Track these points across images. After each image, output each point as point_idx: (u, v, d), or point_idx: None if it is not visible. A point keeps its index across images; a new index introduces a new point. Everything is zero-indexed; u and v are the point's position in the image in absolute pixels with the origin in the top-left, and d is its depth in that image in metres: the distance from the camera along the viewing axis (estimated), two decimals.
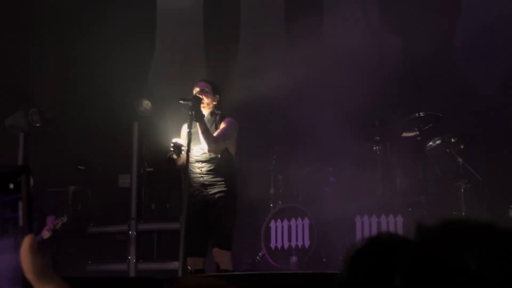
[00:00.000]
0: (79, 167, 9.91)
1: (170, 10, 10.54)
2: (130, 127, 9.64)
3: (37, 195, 8.92)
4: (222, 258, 6.06)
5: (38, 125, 10.13)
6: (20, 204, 0.86)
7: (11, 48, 10.38)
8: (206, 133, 6.04)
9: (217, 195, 6.16)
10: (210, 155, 6.18)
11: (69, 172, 9.97)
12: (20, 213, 0.86)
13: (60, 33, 10.30)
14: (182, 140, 6.15)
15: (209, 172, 6.19)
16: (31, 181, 8.62)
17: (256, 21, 10.31)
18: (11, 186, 0.84)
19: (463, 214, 7.90)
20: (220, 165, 6.20)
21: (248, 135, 7.55)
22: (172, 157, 6.13)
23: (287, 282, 5.46)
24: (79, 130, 9.99)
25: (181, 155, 6.05)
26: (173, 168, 6.25)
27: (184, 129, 6.16)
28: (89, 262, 9.49)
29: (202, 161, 6.21)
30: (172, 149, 6.09)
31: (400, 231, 7.84)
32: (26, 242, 0.90)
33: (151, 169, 9.78)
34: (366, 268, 1.01)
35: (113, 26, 10.02)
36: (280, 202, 8.70)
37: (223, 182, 6.19)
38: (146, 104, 9.48)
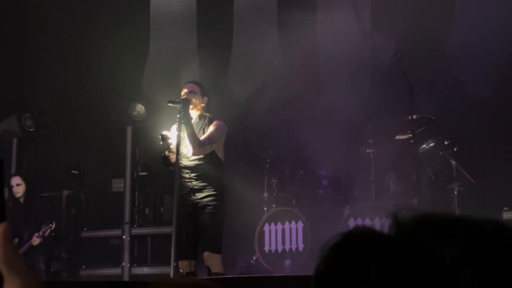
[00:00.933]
0: (73, 171, 9.90)
1: (163, 15, 10.54)
2: (123, 132, 9.65)
3: (30, 199, 8.90)
4: (213, 261, 6.07)
5: (31, 130, 10.14)
6: None
7: (4, 53, 10.38)
8: (192, 136, 6.06)
9: (205, 199, 6.17)
10: (198, 160, 6.20)
11: (62, 176, 9.95)
12: None
13: (54, 38, 10.31)
14: (169, 133, 6.17)
15: (197, 177, 6.20)
16: (24, 186, 8.61)
17: (248, 25, 10.32)
18: None
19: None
20: (208, 169, 6.22)
21: (241, 139, 7.56)
22: (166, 154, 6.14)
23: (281, 286, 5.46)
24: (72, 135, 9.98)
25: (172, 152, 6.06)
26: (168, 166, 6.24)
27: (173, 130, 6.18)
28: (83, 266, 9.48)
29: (191, 167, 6.22)
30: (161, 142, 6.11)
31: None
32: (1, 229, 0.90)
33: (145, 173, 9.78)
34: (341, 260, 1.01)
35: (106, 31, 10.02)
36: (273, 205, 8.69)
37: (211, 187, 6.20)
38: (140, 108, 9.48)
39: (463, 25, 8.97)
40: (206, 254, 6.08)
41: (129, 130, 9.60)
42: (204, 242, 6.12)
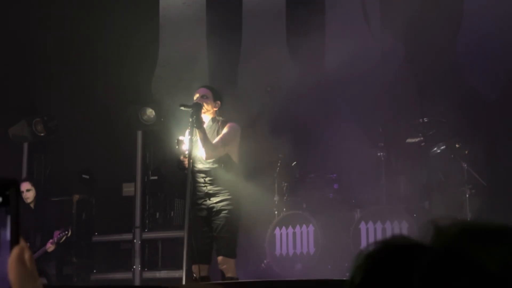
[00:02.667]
0: (83, 176, 9.91)
1: (172, 19, 10.56)
2: (134, 136, 9.65)
3: (41, 204, 8.92)
4: (227, 265, 6.07)
5: (42, 134, 10.16)
6: (8, 217, 0.87)
7: (15, 58, 10.42)
8: (205, 140, 6.05)
9: (220, 204, 6.16)
10: (212, 164, 6.19)
11: (73, 181, 9.97)
12: (8, 225, 0.87)
13: (64, 42, 10.33)
14: (184, 138, 6.18)
15: (212, 181, 6.19)
16: (34, 191, 8.63)
17: (257, 26, 10.33)
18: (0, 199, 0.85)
19: (468, 219, 7.88)
20: (223, 173, 6.21)
21: (251, 142, 7.55)
22: (181, 159, 6.15)
23: None
24: (83, 139, 10.00)
25: (187, 157, 6.06)
26: (182, 170, 6.23)
27: (187, 134, 6.18)
28: (94, 271, 9.49)
29: (206, 171, 6.22)
30: (176, 146, 6.12)
31: None
32: (14, 253, 0.90)
33: (155, 178, 9.78)
34: (381, 272, 1.00)
35: (116, 35, 10.05)
36: (284, 209, 8.68)
37: (226, 191, 6.20)
38: (150, 112, 9.48)
39: (472, 26, 8.94)
40: (220, 258, 6.08)
41: (139, 134, 9.60)
42: (218, 246, 6.12)
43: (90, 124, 9.98)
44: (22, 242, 0.93)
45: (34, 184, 8.85)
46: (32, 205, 8.74)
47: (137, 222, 9.38)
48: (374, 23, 9.81)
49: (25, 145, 10.30)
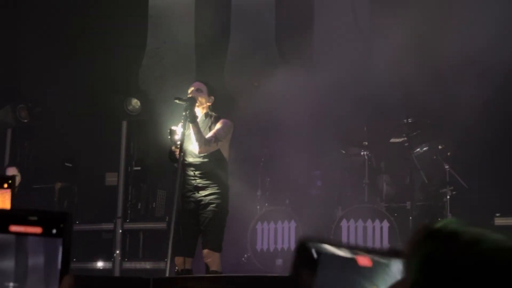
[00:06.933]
0: (66, 164, 9.89)
1: (161, 9, 10.54)
2: (118, 126, 9.64)
3: (23, 190, 8.89)
4: (212, 259, 6.09)
5: (26, 121, 10.12)
6: (60, 248, 0.91)
7: (1, 44, 10.35)
8: (198, 135, 6.10)
9: (209, 197, 6.19)
10: (203, 158, 6.21)
11: (56, 168, 9.94)
12: (60, 254, 0.91)
13: (49, 30, 10.27)
14: (177, 128, 6.19)
15: (202, 175, 6.22)
16: (19, 177, 8.60)
17: (246, 22, 10.34)
18: (54, 231, 0.90)
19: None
20: (213, 168, 6.24)
21: (235, 137, 7.57)
22: (172, 150, 6.17)
23: (274, 285, 5.49)
24: (67, 127, 9.96)
25: (178, 148, 6.08)
26: (173, 162, 6.25)
27: (180, 127, 6.19)
28: (74, 260, 9.47)
29: (196, 164, 6.25)
30: (169, 136, 6.14)
31: (385, 236, 7.90)
32: (66, 281, 0.94)
33: (139, 168, 9.79)
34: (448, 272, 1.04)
35: (104, 24, 10.01)
36: (266, 204, 8.72)
37: (215, 185, 6.23)
38: (135, 103, 9.48)
39: (460, 29, 9.01)
40: (206, 251, 6.11)
41: (124, 124, 9.59)
42: (205, 240, 6.15)
43: (75, 112, 9.94)
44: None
45: (20, 170, 8.82)
46: (15, 191, 8.70)
47: (119, 212, 9.38)
48: (363, 24, 9.86)
49: (9, 131, 10.26)
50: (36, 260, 0.91)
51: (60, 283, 0.93)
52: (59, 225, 0.90)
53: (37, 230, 0.90)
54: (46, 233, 0.90)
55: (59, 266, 0.91)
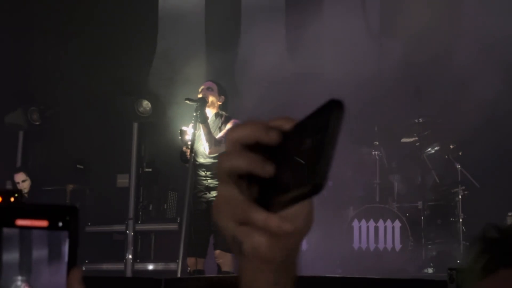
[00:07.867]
0: (78, 166, 9.92)
1: (171, 11, 10.57)
2: (129, 127, 9.65)
3: (35, 193, 8.92)
4: (224, 260, 6.09)
5: (37, 123, 10.16)
6: (67, 240, 0.92)
7: (12, 47, 10.40)
8: (209, 135, 6.10)
9: None
10: (214, 158, 6.21)
11: (67, 171, 9.97)
12: (66, 248, 0.92)
13: (61, 32, 10.32)
14: (188, 129, 6.19)
15: (213, 175, 6.21)
16: (29, 181, 8.64)
17: (256, 24, 10.34)
18: (60, 224, 0.91)
19: (461, 220, 7.94)
20: None
21: None
22: (183, 150, 6.18)
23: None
24: (78, 129, 9.99)
25: (189, 148, 6.09)
26: (185, 162, 6.25)
27: (190, 127, 6.19)
28: (86, 261, 9.50)
29: (207, 165, 6.25)
30: (179, 137, 6.15)
31: (397, 236, 7.88)
32: (73, 275, 0.94)
33: (150, 170, 9.80)
34: None
35: (114, 26, 10.04)
36: None
37: None
38: (146, 104, 9.49)
39: (470, 28, 8.99)
40: (217, 252, 6.10)
41: (135, 126, 9.60)
42: (217, 240, 6.14)
43: (86, 114, 9.98)
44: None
45: (29, 174, 8.85)
46: (26, 195, 8.74)
47: (131, 213, 9.39)
48: (373, 23, 9.84)
49: (21, 134, 10.30)
50: (42, 253, 0.92)
51: (67, 276, 0.93)
52: (65, 218, 0.91)
53: (43, 223, 0.90)
54: (52, 227, 0.90)
55: (66, 259, 0.92)
